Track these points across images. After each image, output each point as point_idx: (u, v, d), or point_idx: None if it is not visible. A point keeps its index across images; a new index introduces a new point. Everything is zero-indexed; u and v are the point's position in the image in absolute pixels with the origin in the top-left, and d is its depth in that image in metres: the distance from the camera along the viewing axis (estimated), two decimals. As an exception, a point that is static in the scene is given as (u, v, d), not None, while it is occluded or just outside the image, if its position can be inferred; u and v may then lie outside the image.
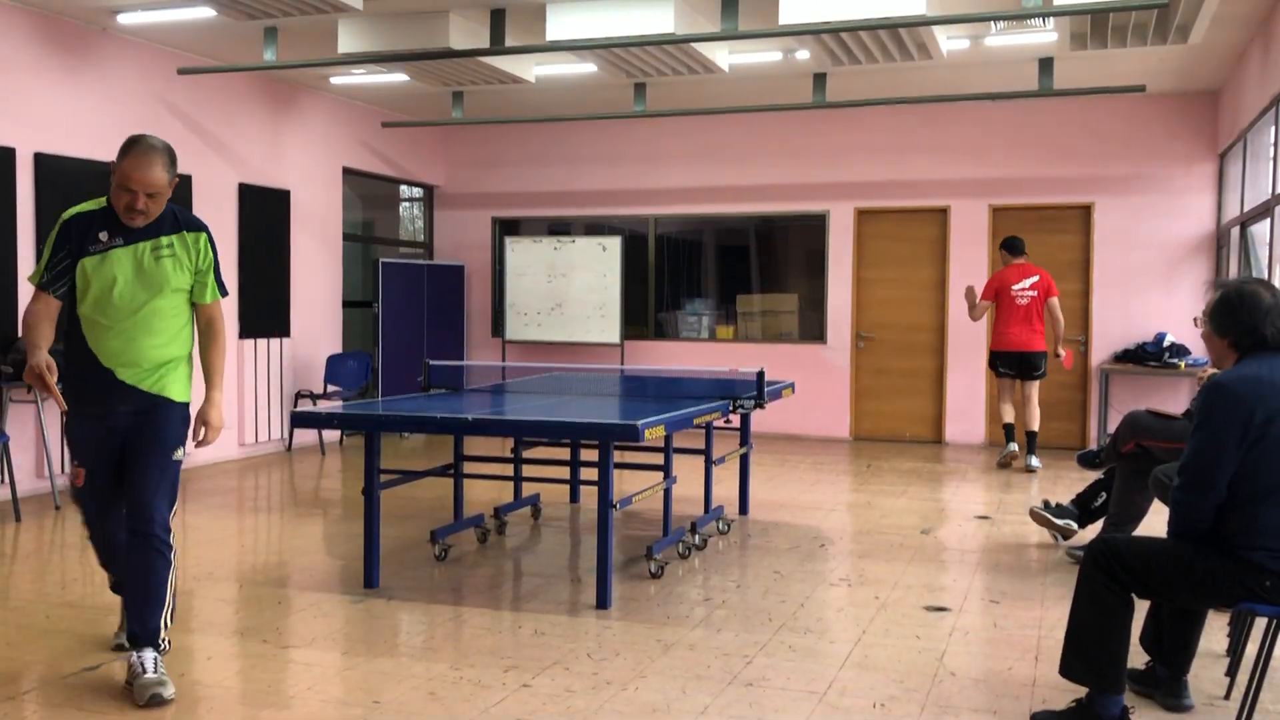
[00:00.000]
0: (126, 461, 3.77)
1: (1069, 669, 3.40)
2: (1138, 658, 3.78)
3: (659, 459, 5.68)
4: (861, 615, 4.70)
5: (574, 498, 7.17)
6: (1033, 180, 10.14)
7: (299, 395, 9.65)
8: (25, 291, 7.28)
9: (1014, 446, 8.84)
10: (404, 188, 12.11)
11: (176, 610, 3.97)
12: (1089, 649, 3.34)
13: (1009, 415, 8.95)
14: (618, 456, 5.35)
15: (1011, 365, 8.88)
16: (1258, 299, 3.27)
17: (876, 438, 10.66)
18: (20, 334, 3.87)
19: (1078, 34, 7.12)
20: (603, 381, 7.36)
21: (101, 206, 3.78)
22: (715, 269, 11.75)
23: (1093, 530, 5.89)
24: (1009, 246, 8.99)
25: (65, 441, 3.99)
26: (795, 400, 9.73)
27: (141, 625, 3.71)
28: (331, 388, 9.88)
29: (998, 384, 9.06)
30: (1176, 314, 9.69)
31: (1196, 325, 3.59)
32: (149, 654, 3.67)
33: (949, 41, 7.63)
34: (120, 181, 3.67)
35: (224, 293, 3.96)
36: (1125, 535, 4.51)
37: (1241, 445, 3.13)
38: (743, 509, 6.93)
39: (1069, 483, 8.03)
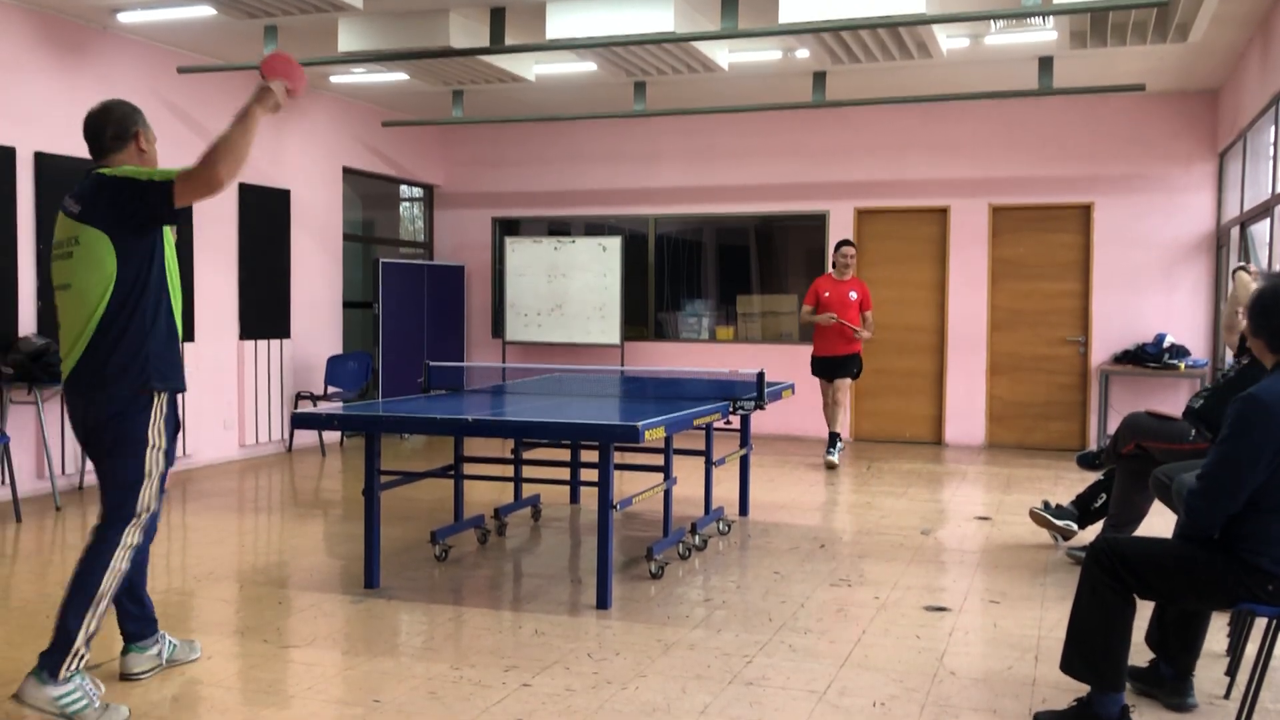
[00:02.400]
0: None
1: (1070, 666, 3.40)
2: (1141, 656, 3.78)
3: (659, 460, 5.68)
4: (861, 615, 4.70)
5: (574, 499, 7.17)
6: (1033, 180, 10.13)
7: (299, 396, 9.64)
8: (26, 290, 7.29)
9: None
10: (404, 187, 12.11)
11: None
12: (1090, 648, 3.34)
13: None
14: (618, 457, 5.35)
15: None
16: None
17: (876, 438, 10.66)
18: (214, 172, 3.39)
19: (1077, 33, 7.12)
20: (603, 382, 7.36)
21: None
22: (715, 269, 11.75)
23: (1092, 531, 5.89)
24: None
25: (155, 435, 3.51)
26: (795, 401, 9.73)
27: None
28: (332, 389, 9.88)
29: (855, 388, 9.60)
30: (1176, 314, 9.70)
31: (1240, 319, 3.53)
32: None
33: (949, 40, 7.63)
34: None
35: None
36: (1128, 535, 4.52)
37: (1272, 463, 3.10)
38: (743, 510, 6.93)
39: (1069, 483, 8.03)
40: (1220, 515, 3.20)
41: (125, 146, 3.58)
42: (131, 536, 3.50)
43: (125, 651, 3.85)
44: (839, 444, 9.09)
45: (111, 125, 3.57)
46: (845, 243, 9.12)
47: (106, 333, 3.43)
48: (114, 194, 3.40)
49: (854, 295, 8.98)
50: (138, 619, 3.85)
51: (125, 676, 3.81)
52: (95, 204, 3.43)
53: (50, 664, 3.37)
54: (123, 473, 3.49)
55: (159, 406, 3.52)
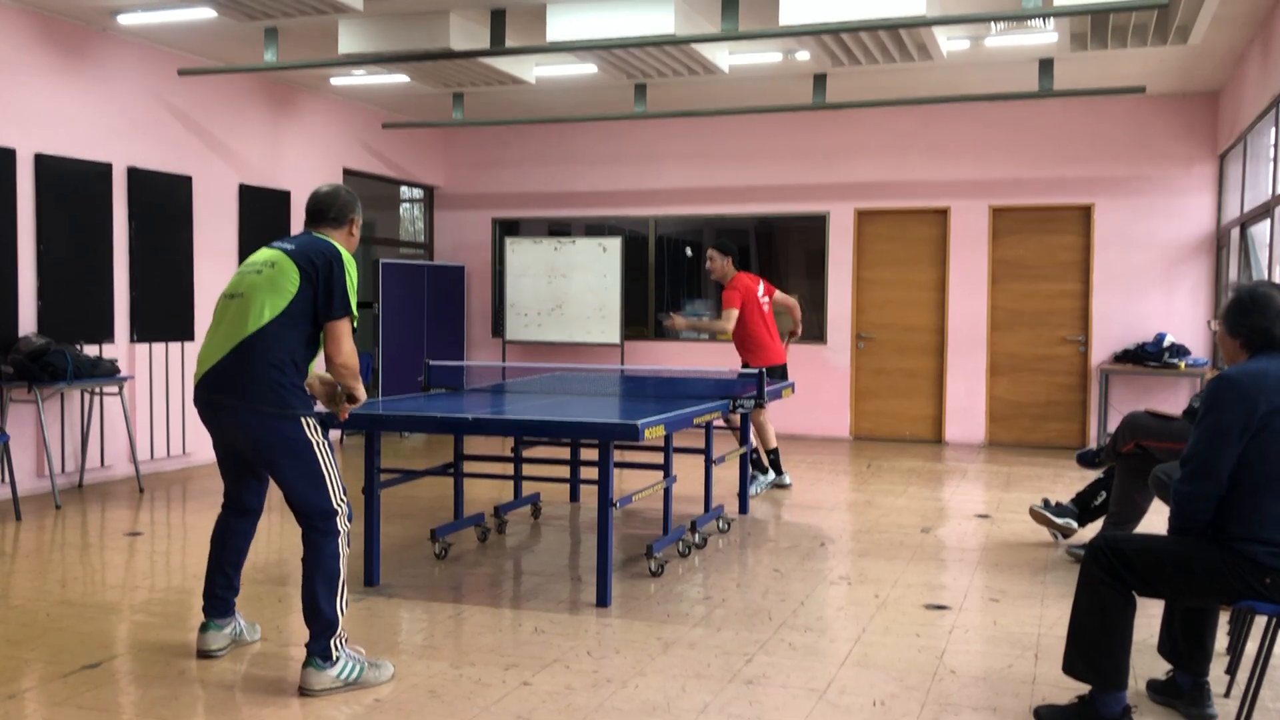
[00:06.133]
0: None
1: (1071, 667, 3.41)
2: (1158, 667, 3.78)
3: (659, 458, 5.68)
4: (861, 613, 4.71)
5: (574, 497, 7.17)
6: (1033, 181, 10.14)
7: (299, 396, 9.63)
8: (26, 290, 7.30)
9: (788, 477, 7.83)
10: (404, 188, 12.11)
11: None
12: (1090, 647, 3.34)
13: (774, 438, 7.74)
14: (618, 456, 5.36)
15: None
16: (1270, 300, 3.36)
17: (876, 437, 10.66)
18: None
19: (1078, 34, 7.13)
20: (603, 381, 7.37)
21: None
22: (715, 270, 11.73)
23: (1092, 529, 5.89)
24: (731, 249, 7.75)
25: (329, 450, 3.97)
26: (795, 400, 9.74)
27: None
28: (332, 388, 9.86)
29: (758, 413, 7.46)
30: (1176, 315, 9.70)
31: (1211, 328, 3.67)
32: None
33: (949, 42, 7.63)
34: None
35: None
36: (1126, 533, 4.52)
37: (1243, 436, 3.18)
38: (743, 508, 6.93)
39: (1069, 482, 8.04)
40: (1208, 497, 3.23)
41: (341, 228, 4.01)
42: (343, 524, 3.90)
43: (204, 628, 4.06)
44: (765, 474, 7.65)
45: (336, 208, 4.00)
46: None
47: (253, 346, 3.76)
48: (326, 272, 3.76)
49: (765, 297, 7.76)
50: (224, 598, 4.08)
51: (203, 654, 4.03)
52: (301, 255, 3.78)
53: (320, 650, 3.73)
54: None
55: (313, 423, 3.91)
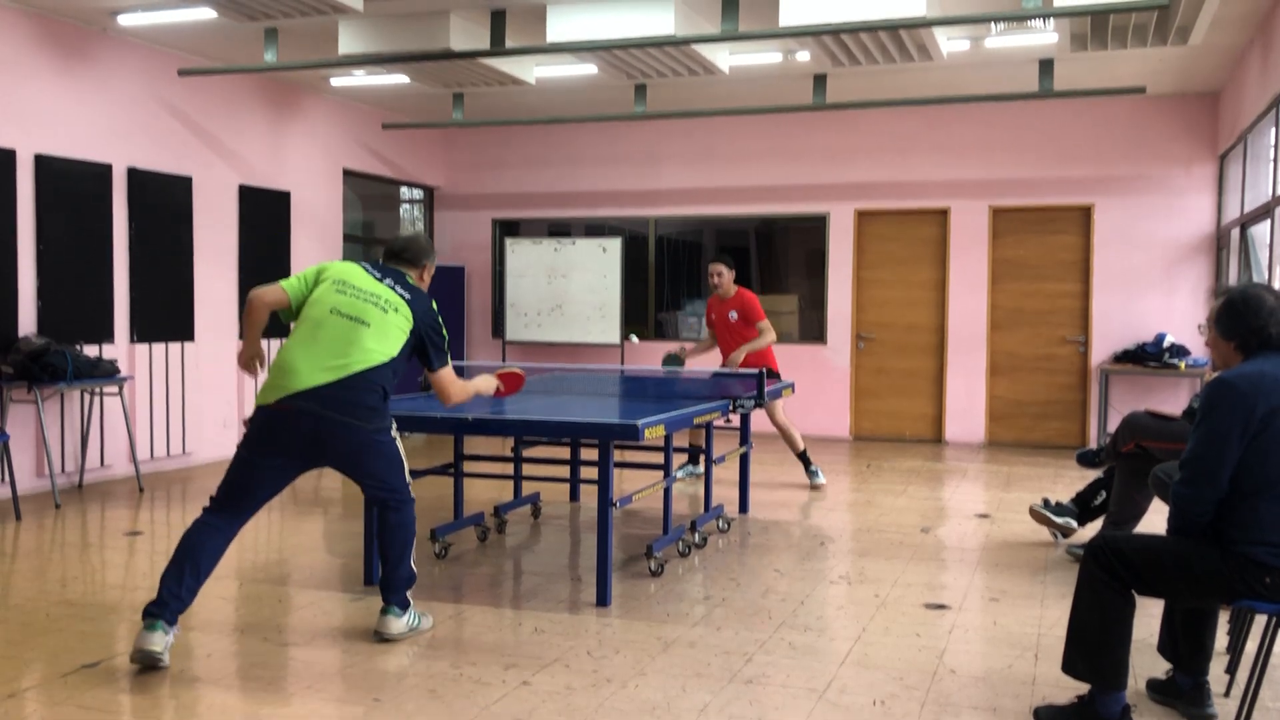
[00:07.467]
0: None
1: (1071, 666, 3.40)
2: (1158, 667, 3.78)
3: (659, 458, 5.68)
4: (861, 613, 4.71)
5: (574, 496, 7.17)
6: (1033, 181, 10.14)
7: (299, 396, 9.62)
8: (26, 291, 7.30)
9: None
10: (404, 189, 12.12)
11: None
12: (1090, 647, 3.34)
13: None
14: (618, 456, 5.35)
15: None
16: (1262, 301, 3.35)
17: (876, 437, 10.66)
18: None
19: (1078, 35, 7.13)
20: (603, 381, 7.37)
21: None
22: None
23: (1092, 529, 5.89)
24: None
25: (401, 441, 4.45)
26: (795, 400, 9.73)
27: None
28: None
29: (779, 407, 7.86)
30: (1176, 315, 9.70)
31: (1201, 332, 3.65)
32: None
33: (949, 43, 7.63)
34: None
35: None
36: (1126, 533, 4.53)
37: (1243, 439, 3.18)
38: (743, 508, 6.93)
39: (1069, 481, 8.04)
40: (1207, 500, 3.22)
41: (413, 270, 4.47)
42: (412, 492, 4.48)
43: (152, 627, 3.84)
44: (811, 465, 8.02)
45: (413, 251, 4.49)
46: (715, 259, 7.93)
47: (365, 378, 4.15)
48: (429, 325, 4.32)
49: (734, 316, 7.80)
50: (182, 599, 3.93)
51: (147, 654, 3.80)
52: (416, 311, 4.28)
53: (400, 600, 4.31)
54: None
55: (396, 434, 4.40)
